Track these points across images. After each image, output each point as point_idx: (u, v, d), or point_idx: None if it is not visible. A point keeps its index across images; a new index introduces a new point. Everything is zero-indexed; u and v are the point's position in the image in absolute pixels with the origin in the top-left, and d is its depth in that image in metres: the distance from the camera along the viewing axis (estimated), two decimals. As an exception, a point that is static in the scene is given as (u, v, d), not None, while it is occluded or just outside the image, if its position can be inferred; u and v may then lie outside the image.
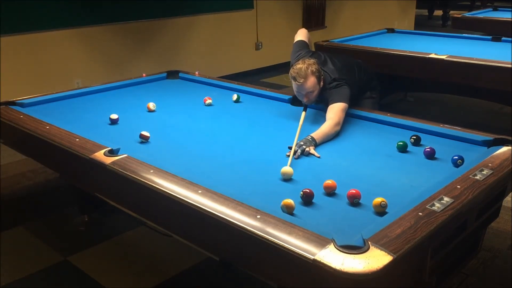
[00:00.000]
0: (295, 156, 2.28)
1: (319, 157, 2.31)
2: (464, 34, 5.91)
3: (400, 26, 9.10)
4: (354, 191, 1.82)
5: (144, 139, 2.48)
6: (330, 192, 1.89)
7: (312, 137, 2.43)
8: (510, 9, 7.54)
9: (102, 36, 5.53)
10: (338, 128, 2.62)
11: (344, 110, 2.73)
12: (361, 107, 2.99)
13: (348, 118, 2.81)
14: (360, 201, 1.81)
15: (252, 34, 7.13)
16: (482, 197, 1.84)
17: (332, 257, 1.41)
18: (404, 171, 2.14)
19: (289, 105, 3.11)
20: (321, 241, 1.48)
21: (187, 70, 4.04)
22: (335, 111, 2.70)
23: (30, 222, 3.25)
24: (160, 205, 1.96)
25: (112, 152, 2.22)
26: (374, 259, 1.39)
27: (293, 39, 3.53)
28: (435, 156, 2.24)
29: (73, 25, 5.26)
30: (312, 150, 2.36)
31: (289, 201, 1.73)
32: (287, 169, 2.06)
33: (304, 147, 2.34)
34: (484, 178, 1.90)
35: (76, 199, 3.23)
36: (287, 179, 2.05)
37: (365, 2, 8.79)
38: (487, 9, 8.16)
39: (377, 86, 3.36)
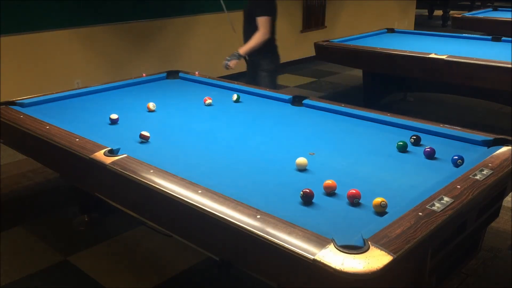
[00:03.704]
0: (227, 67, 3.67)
1: (232, 68, 3.68)
2: (464, 34, 5.91)
3: (400, 26, 9.10)
4: (354, 191, 1.82)
5: (144, 139, 2.48)
6: (330, 192, 1.89)
7: (237, 52, 3.73)
8: (510, 9, 7.54)
9: (102, 36, 5.53)
10: (266, 37, 3.73)
11: (268, 21, 3.73)
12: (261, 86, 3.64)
13: (348, 118, 2.83)
14: (360, 201, 1.81)
15: (252, 34, 7.12)
16: (482, 197, 1.84)
17: (332, 257, 1.41)
18: (404, 171, 2.14)
19: (289, 105, 3.11)
20: (321, 241, 1.48)
21: (187, 70, 4.05)
22: (261, 24, 3.73)
23: (30, 222, 3.25)
24: (160, 205, 1.96)
25: (112, 152, 2.22)
26: (374, 259, 1.39)
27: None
28: (435, 156, 2.24)
29: (73, 25, 5.27)
30: (232, 64, 3.71)
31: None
32: (301, 160, 2.13)
33: (226, 62, 3.75)
34: (484, 178, 1.90)
35: (76, 199, 3.23)
36: (301, 169, 2.12)
37: (365, 2, 8.79)
38: (487, 9, 8.16)
39: (274, 50, 3.97)
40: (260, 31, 3.76)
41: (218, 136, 2.60)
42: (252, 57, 3.96)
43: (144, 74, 3.86)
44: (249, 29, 3.87)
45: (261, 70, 3.94)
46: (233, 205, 1.72)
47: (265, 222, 1.60)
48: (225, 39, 6.78)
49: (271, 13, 3.81)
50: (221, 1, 3.16)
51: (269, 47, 3.91)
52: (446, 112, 5.34)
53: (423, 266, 1.68)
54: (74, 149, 2.31)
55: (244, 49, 3.82)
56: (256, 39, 3.78)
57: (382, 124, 2.71)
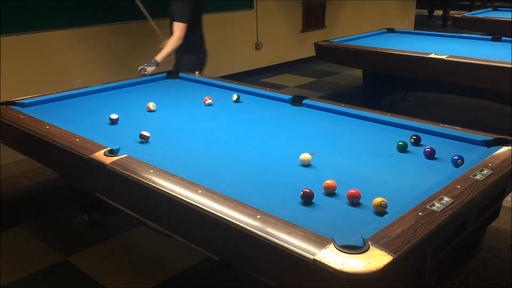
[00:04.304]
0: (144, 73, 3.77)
1: (148, 74, 3.77)
2: (464, 34, 5.91)
3: (400, 26, 9.10)
4: (354, 191, 1.82)
5: (144, 139, 2.48)
6: (330, 192, 1.89)
7: (155, 60, 3.85)
8: (510, 9, 7.54)
9: (102, 36, 5.53)
10: (179, 42, 3.94)
11: (182, 27, 3.93)
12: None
13: (348, 118, 2.83)
14: (360, 201, 1.81)
15: (252, 34, 7.13)
16: (482, 197, 1.84)
17: (332, 257, 1.41)
18: (404, 171, 2.14)
19: (289, 105, 3.11)
20: (321, 241, 1.48)
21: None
22: (176, 29, 3.94)
23: (30, 222, 3.25)
24: (160, 205, 1.96)
25: (112, 152, 2.22)
26: (374, 259, 1.39)
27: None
28: (435, 156, 2.24)
29: (73, 25, 5.27)
30: (149, 70, 3.79)
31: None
32: (305, 155, 2.17)
33: (144, 67, 3.81)
34: (484, 178, 1.90)
35: (76, 199, 3.23)
36: (305, 165, 2.16)
37: (365, 2, 8.79)
38: (487, 9, 8.16)
39: (197, 51, 4.18)
40: (173, 36, 4.01)
41: (218, 136, 2.60)
42: (177, 53, 4.19)
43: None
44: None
45: (190, 66, 4.14)
46: (233, 205, 1.72)
47: (265, 222, 1.60)
48: (225, 39, 6.79)
49: (186, 19, 3.99)
50: (143, 10, 3.78)
51: (198, 45, 4.22)
52: (446, 112, 5.34)
53: (423, 266, 1.68)
54: (74, 149, 2.31)
55: (160, 56, 3.98)
56: (169, 45, 4.03)
57: (382, 124, 2.71)
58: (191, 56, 4.19)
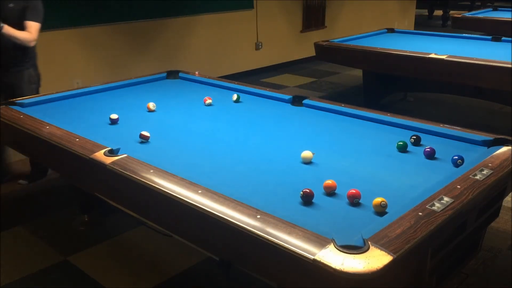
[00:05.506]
0: None
1: None
2: (464, 34, 5.92)
3: (400, 26, 9.11)
4: (354, 191, 1.82)
5: (144, 139, 2.48)
6: (330, 192, 1.89)
7: (5, 27, 3.26)
8: (510, 9, 7.54)
9: (102, 36, 5.53)
10: (31, 44, 3.46)
11: (39, 29, 3.49)
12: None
13: (348, 118, 2.83)
14: (360, 201, 1.81)
15: (252, 34, 7.13)
16: (482, 197, 1.84)
17: (332, 257, 1.41)
18: (404, 171, 2.14)
19: (289, 105, 3.11)
20: (321, 241, 1.48)
21: (187, 70, 4.04)
22: (34, 29, 3.45)
23: (30, 222, 3.25)
24: (160, 205, 1.96)
25: (112, 152, 2.22)
26: (374, 259, 1.39)
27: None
28: (435, 156, 2.24)
29: (73, 25, 5.27)
30: None
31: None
32: (307, 153, 2.20)
33: None
34: (484, 178, 1.90)
35: (76, 199, 3.23)
36: (307, 162, 2.19)
37: (365, 2, 8.80)
38: (487, 9, 8.17)
39: (36, 63, 3.69)
40: (30, 33, 3.42)
41: (218, 136, 2.60)
42: (16, 67, 3.52)
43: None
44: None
45: (31, 82, 3.61)
46: (233, 205, 1.72)
47: (265, 222, 1.60)
48: (225, 39, 6.79)
49: (42, 21, 3.50)
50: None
51: (34, 58, 3.66)
52: (446, 112, 5.35)
53: (423, 266, 1.68)
54: (74, 149, 2.31)
55: (8, 29, 3.30)
56: (24, 35, 3.39)
57: (382, 124, 2.71)
58: (35, 70, 3.66)
